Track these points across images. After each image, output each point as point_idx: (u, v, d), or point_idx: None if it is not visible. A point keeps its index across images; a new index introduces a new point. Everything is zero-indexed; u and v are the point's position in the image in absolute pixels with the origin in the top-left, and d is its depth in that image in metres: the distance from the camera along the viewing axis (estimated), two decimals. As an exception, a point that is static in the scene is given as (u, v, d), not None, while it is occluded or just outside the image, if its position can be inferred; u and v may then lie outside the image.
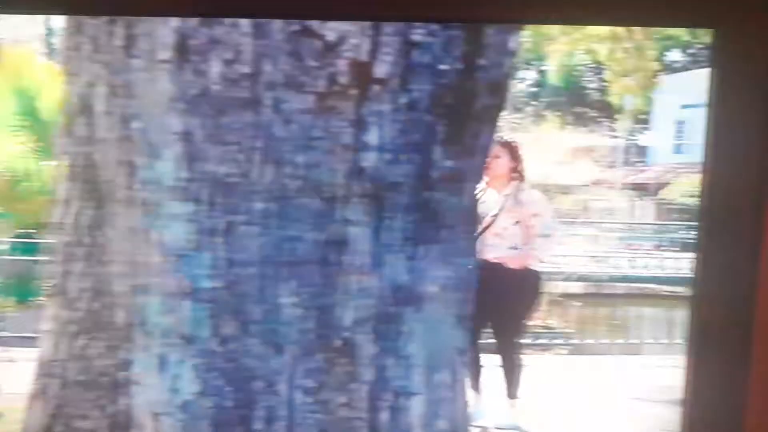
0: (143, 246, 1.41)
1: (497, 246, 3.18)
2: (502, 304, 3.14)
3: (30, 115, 4.78)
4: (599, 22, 1.37)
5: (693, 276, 0.89)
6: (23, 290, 4.31)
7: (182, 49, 1.31)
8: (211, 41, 1.31)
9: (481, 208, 3.08)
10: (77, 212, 1.50)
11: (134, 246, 1.43)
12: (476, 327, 3.02)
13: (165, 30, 1.30)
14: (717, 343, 0.86)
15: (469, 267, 1.55)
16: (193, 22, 1.30)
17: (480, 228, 3.10)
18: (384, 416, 1.52)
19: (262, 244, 1.40)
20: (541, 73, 13.30)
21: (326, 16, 1.19)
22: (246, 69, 1.32)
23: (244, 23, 1.30)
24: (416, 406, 1.54)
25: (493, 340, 3.31)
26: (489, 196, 3.26)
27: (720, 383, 0.86)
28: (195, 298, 1.43)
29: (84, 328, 1.56)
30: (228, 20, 1.30)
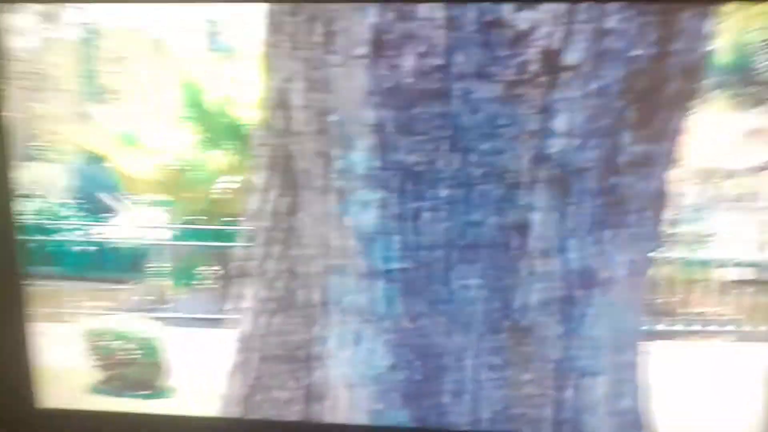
0: (337, 230, 1.51)
1: None
2: None
3: (196, 107, 5.08)
4: None
5: None
6: (188, 274, 4.64)
7: (378, 45, 1.38)
8: (406, 36, 1.37)
9: None
10: (275, 199, 1.62)
11: (328, 230, 1.53)
12: None
13: (362, 26, 1.38)
14: None
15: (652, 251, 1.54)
16: (390, 17, 1.36)
17: None
18: (568, 393, 1.56)
19: (448, 228, 1.47)
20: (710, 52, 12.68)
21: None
22: (438, 61, 1.37)
23: (439, 16, 1.35)
24: (600, 386, 1.57)
25: None
26: None
27: None
28: (386, 279, 1.51)
29: (281, 306, 1.69)
30: (423, 14, 1.36)
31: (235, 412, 1.78)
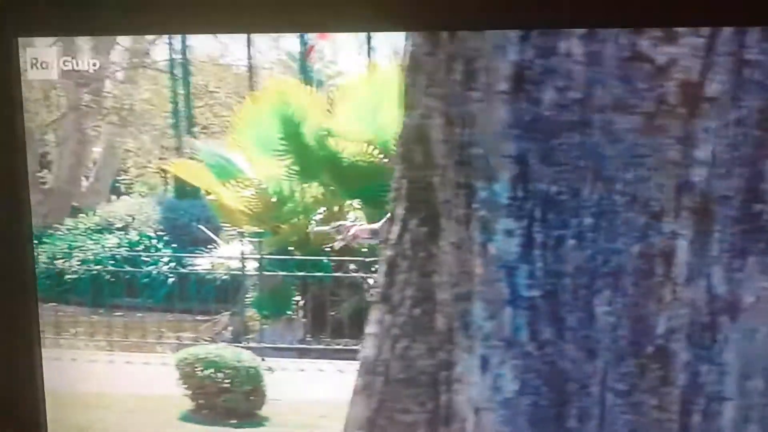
0: (479, 258, 1.57)
1: None
2: None
3: (292, 139, 5.24)
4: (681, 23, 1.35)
5: None
6: (278, 304, 4.79)
7: (518, 80, 1.45)
8: (546, 71, 1.44)
9: None
10: (409, 228, 1.70)
11: (469, 258, 1.59)
12: None
13: (503, 64, 1.45)
14: None
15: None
16: (530, 54, 1.44)
17: None
18: (696, 419, 1.58)
19: (585, 256, 1.52)
20: None
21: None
22: (577, 95, 1.44)
23: (578, 52, 1.42)
24: (728, 411, 1.58)
25: None
26: None
27: None
28: (524, 305, 1.57)
29: (405, 331, 1.75)
30: (562, 50, 1.43)
31: (355, 436, 1.84)
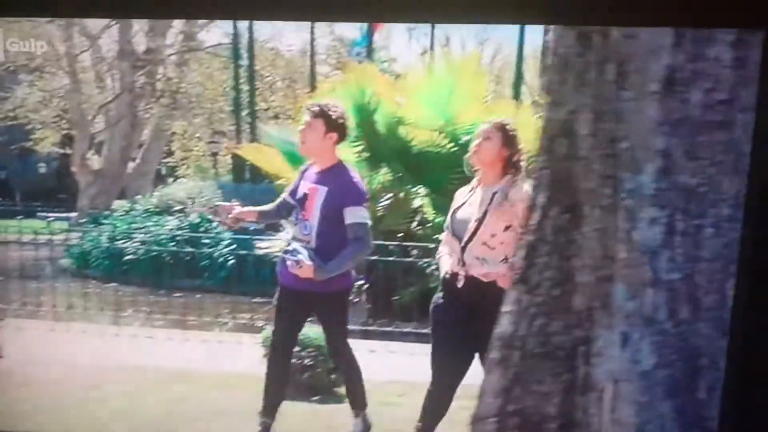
0: (614, 244, 1.73)
1: (486, 258, 2.65)
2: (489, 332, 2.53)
3: (365, 126, 5.41)
4: (647, 23, 1.48)
5: None
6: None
7: (670, 82, 1.60)
8: (695, 73, 1.59)
9: (466, 211, 2.75)
10: (550, 216, 1.86)
11: (605, 244, 1.75)
12: (463, 360, 2.70)
13: (657, 66, 1.60)
14: None
15: None
16: (681, 58, 1.59)
17: (465, 236, 2.69)
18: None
19: (722, 243, 1.67)
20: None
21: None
22: (723, 96, 1.59)
23: (726, 57, 1.57)
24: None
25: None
26: (477, 196, 2.76)
27: None
28: (656, 287, 1.73)
29: (543, 310, 1.91)
30: (711, 55, 1.57)
31: (492, 403, 2.00)
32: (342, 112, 3.05)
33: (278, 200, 3.25)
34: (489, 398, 2.01)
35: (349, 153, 5.48)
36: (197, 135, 10.55)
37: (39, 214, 9.95)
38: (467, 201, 2.80)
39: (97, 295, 6.61)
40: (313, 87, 8.89)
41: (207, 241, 6.64)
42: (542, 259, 1.90)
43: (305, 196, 3.03)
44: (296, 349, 4.03)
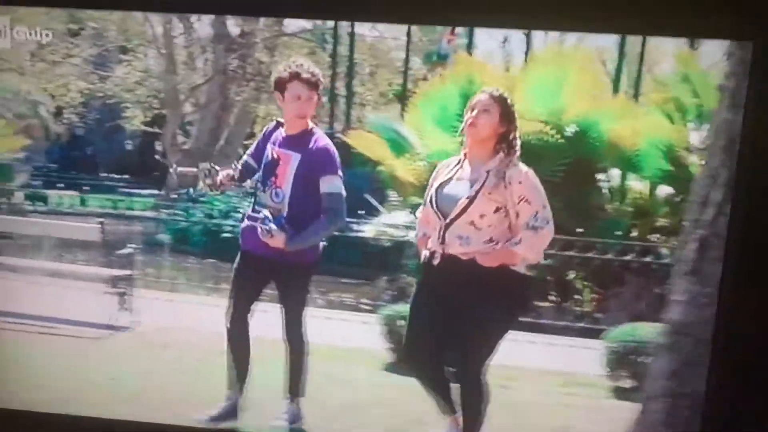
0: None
1: (470, 238, 2.52)
2: (468, 315, 2.53)
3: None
4: (638, 32, 1.54)
5: None
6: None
7: None
8: None
9: (454, 187, 2.59)
10: (724, 212, 1.98)
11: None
12: (439, 342, 2.60)
13: None
14: None
15: None
16: None
17: (451, 213, 2.53)
18: None
19: None
20: None
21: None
22: None
23: None
24: None
25: (454, 363, 2.67)
26: (465, 171, 2.61)
27: None
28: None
29: (714, 300, 2.04)
30: None
31: (659, 384, 2.14)
32: (317, 72, 2.93)
33: (240, 162, 3.11)
34: (659, 380, 2.15)
35: (451, 143, 5.62)
36: (279, 119, 10.80)
37: (122, 190, 10.34)
38: (454, 176, 2.63)
39: (198, 270, 6.91)
40: (406, 73, 9.02)
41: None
42: (714, 253, 2.02)
43: (275, 161, 2.93)
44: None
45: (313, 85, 2.86)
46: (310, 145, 2.89)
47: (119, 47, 10.31)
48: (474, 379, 2.56)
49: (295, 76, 2.85)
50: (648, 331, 3.93)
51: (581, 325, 5.08)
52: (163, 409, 2.97)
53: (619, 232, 5.34)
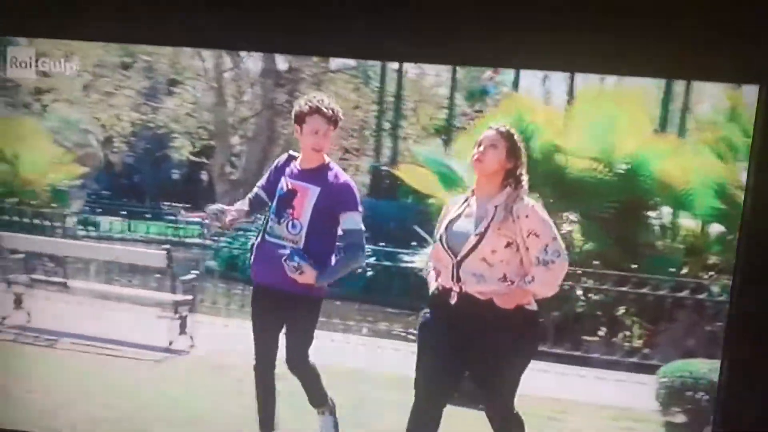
0: None
1: (484, 276, 2.50)
2: (489, 353, 2.52)
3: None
4: (645, 74, 1.56)
5: None
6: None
7: None
8: None
9: (463, 224, 2.58)
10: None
11: None
12: (452, 379, 2.60)
13: None
14: None
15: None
16: None
17: (462, 250, 2.52)
18: None
19: None
20: None
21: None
22: None
23: None
24: None
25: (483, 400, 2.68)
26: (473, 208, 2.60)
27: None
28: None
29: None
30: None
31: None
32: (337, 109, 2.95)
33: (250, 196, 3.15)
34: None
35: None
36: (291, 152, 10.99)
37: (167, 216, 10.57)
38: (462, 213, 2.62)
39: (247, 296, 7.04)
40: (451, 109, 9.15)
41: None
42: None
43: (291, 193, 2.92)
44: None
45: (331, 120, 2.90)
46: (330, 180, 2.93)
47: (170, 80, 10.61)
48: (508, 413, 2.63)
49: (316, 110, 2.90)
50: (701, 367, 3.96)
51: (631, 360, 5.07)
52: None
53: (672, 269, 5.35)
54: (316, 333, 2.92)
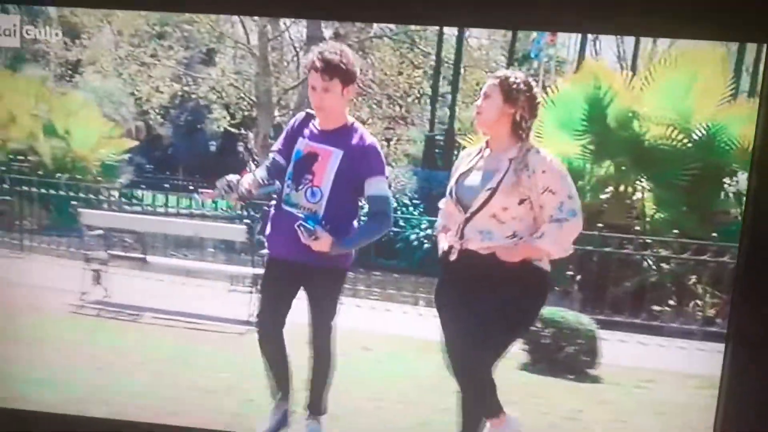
0: None
1: (492, 233, 2.36)
2: (488, 311, 2.35)
3: (595, 120, 5.57)
4: (653, 33, 1.52)
5: None
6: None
7: None
8: None
9: (475, 178, 2.43)
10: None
11: None
12: (469, 342, 2.37)
13: None
14: None
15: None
16: None
17: (472, 206, 2.37)
18: None
19: None
20: None
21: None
22: None
23: None
24: None
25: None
26: (486, 160, 2.44)
27: None
28: None
29: None
30: None
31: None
32: (335, 58, 2.56)
33: (266, 163, 2.76)
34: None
35: (573, 145, 5.64)
36: (369, 120, 10.89)
37: (201, 190, 10.41)
38: (474, 166, 2.47)
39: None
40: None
41: (403, 224, 6.94)
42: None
43: (311, 157, 2.63)
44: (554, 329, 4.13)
45: (327, 72, 2.54)
46: (354, 142, 2.62)
47: (210, 50, 10.54)
48: (486, 374, 2.42)
49: (311, 65, 2.59)
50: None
51: (708, 329, 5.05)
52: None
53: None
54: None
